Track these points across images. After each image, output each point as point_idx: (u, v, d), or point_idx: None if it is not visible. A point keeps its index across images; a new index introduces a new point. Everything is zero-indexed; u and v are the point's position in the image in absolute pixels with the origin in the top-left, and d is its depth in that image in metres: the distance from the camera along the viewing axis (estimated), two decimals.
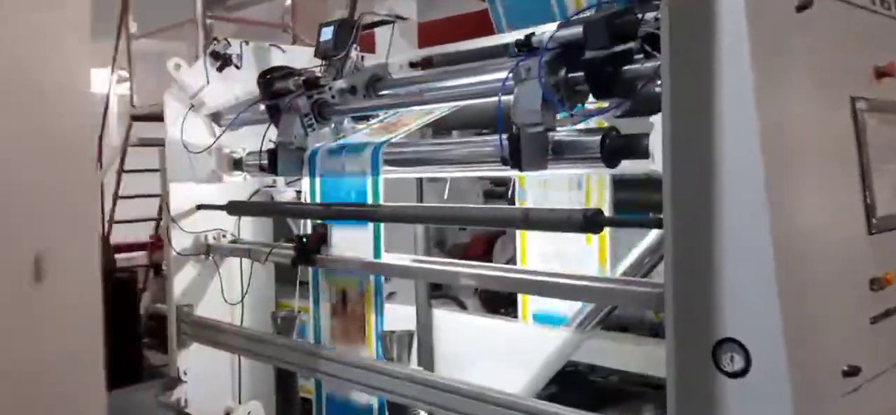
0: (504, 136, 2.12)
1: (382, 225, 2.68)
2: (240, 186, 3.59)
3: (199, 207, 3.49)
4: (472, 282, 2.67)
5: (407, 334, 2.55)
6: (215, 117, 3.49)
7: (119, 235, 7.44)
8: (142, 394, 3.38)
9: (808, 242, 1.74)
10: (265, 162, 3.01)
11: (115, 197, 7.11)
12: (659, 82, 1.81)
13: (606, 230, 2.83)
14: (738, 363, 1.65)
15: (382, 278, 2.75)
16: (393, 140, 2.71)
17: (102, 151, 7.66)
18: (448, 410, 2.33)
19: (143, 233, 7.81)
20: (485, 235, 4.72)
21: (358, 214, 2.67)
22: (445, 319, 3.32)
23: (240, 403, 3.62)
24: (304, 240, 2.85)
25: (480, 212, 2.38)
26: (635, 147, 2.04)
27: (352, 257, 2.75)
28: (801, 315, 1.65)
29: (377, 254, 2.71)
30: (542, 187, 3.02)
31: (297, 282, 3.10)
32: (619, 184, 2.93)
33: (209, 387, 3.55)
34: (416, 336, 3.36)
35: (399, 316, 3.36)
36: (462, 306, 4.37)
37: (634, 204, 3.03)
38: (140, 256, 7.52)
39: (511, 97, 2.15)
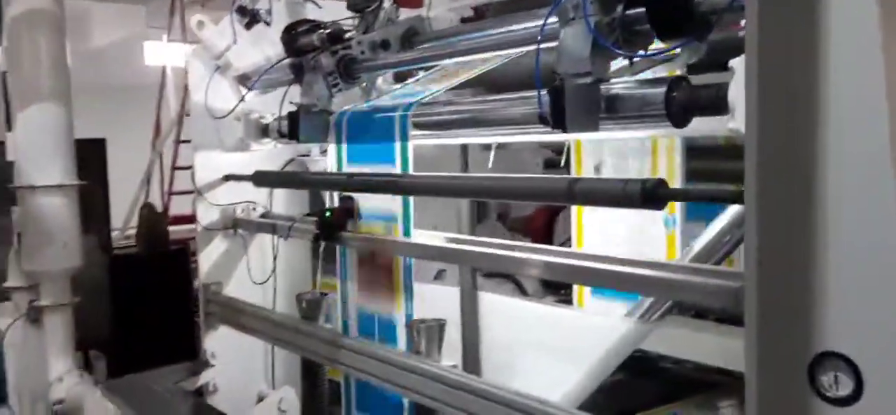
0: (544, 90, 1.72)
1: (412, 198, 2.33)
2: (273, 154, 3.30)
3: (226, 177, 3.21)
4: (505, 267, 2.31)
5: (437, 324, 2.19)
6: (243, 80, 3.20)
7: (181, 207, 7.37)
8: (167, 378, 3.15)
9: None
10: (285, 128, 2.68)
11: (173, 168, 7.03)
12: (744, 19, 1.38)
13: (678, 209, 2.43)
14: (845, 386, 1.22)
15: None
16: (423, 101, 2.35)
17: (160, 121, 7.64)
18: None
19: None
20: (546, 207, 4.32)
21: (380, 184, 2.33)
22: (492, 303, 2.97)
23: (274, 388, 3.36)
24: (328, 214, 2.52)
25: (516, 184, 2.00)
26: (710, 100, 1.61)
27: (378, 235, 2.41)
28: None
29: (407, 231, 2.36)
30: (602, 155, 2.62)
31: (320, 258, 2.79)
32: (693, 151, 2.50)
33: (240, 371, 3.30)
34: (461, 323, 3.04)
35: (442, 298, 3.04)
36: (520, 286, 4.01)
37: (713, 177, 2.58)
38: None
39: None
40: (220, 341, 3.24)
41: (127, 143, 8.62)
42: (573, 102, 1.70)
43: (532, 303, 3.15)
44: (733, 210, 2.06)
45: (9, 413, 3.97)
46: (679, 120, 1.67)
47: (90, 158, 4.84)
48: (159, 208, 6.67)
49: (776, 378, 1.30)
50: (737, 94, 1.55)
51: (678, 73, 1.99)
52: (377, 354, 2.27)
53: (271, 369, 3.36)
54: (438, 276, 3.77)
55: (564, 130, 1.71)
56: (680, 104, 1.66)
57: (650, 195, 1.61)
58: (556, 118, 1.70)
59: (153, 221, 5.76)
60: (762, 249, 1.30)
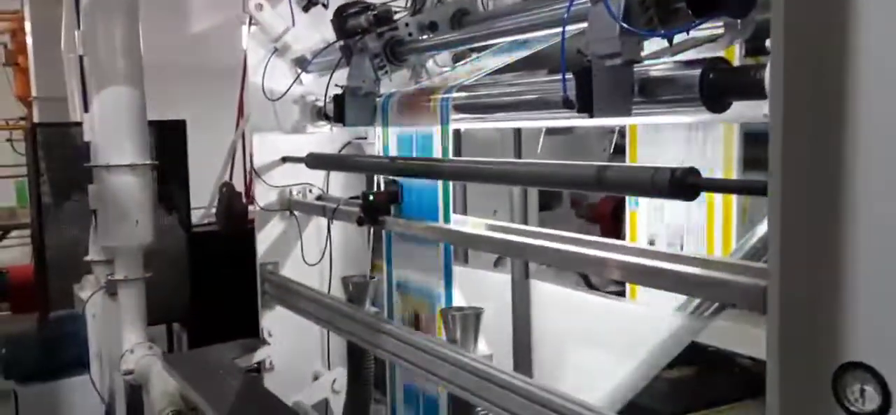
0: (569, 73, 1.63)
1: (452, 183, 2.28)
2: (331, 137, 3.32)
3: (284, 159, 3.26)
4: (526, 256, 2.23)
5: (473, 313, 2.14)
6: (301, 62, 3.22)
7: None
8: (226, 353, 3.23)
9: None
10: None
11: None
12: None
13: (734, 201, 2.29)
14: (872, 401, 1.10)
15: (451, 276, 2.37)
16: (465, 83, 2.29)
17: (243, 104, 7.83)
18: (509, 412, 1.91)
19: None
20: (611, 196, 4.18)
21: (420, 169, 2.29)
22: (544, 292, 2.90)
23: (328, 368, 3.41)
24: (371, 198, 2.51)
25: (545, 170, 1.91)
26: (747, 83, 1.50)
27: (418, 221, 2.38)
28: None
29: (447, 217, 2.32)
30: (653, 142, 2.50)
31: (370, 241, 2.79)
32: (752, 138, 2.35)
33: (296, 349, 3.36)
34: (513, 311, 2.99)
35: (496, 286, 3.01)
36: (585, 277, 3.91)
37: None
38: None
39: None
40: (276, 320, 3.30)
41: (223, 124, 8.88)
42: (601, 85, 1.62)
43: (584, 293, 3.06)
44: None
45: (88, 381, 4.19)
46: (714, 104, 1.56)
47: (171, 138, 5.02)
48: (241, 187, 6.84)
49: (798, 386, 1.20)
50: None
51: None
52: (412, 340, 2.24)
53: (327, 350, 3.40)
54: (498, 262, 3.72)
55: (591, 115, 1.63)
56: (715, 87, 1.54)
57: (679, 184, 1.51)
58: (583, 102, 1.62)
59: (231, 199, 5.91)
60: (787, 245, 1.19)
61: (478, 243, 2.28)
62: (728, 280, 1.41)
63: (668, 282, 1.52)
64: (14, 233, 8.57)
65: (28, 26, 7.19)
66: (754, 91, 1.48)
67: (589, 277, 3.87)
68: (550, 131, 3.82)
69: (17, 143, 8.10)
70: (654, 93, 1.65)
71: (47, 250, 4.91)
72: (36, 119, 7.08)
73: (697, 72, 1.57)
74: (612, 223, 4.25)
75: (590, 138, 4.12)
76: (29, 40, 7.21)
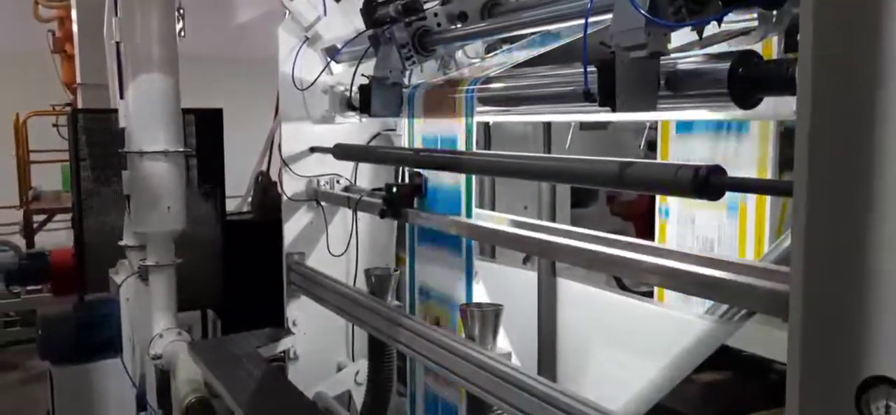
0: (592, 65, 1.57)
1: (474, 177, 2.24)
2: (360, 127, 3.30)
3: (312, 149, 3.24)
4: (546, 254, 2.18)
5: (493, 311, 2.09)
6: (331, 52, 3.21)
7: None
8: (252, 342, 3.23)
9: None
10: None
11: None
12: None
13: (767, 203, 2.20)
14: None
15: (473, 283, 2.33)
16: (491, 75, 2.25)
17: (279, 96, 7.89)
18: (524, 413, 1.86)
19: None
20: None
21: (444, 162, 2.25)
22: (571, 291, 2.84)
23: (353, 359, 3.39)
24: (395, 190, 2.48)
25: (567, 165, 1.86)
26: (777, 78, 1.42)
27: (440, 215, 2.34)
28: None
29: (469, 211, 2.28)
30: (683, 140, 2.42)
31: (396, 234, 2.77)
32: (790, 136, 2.25)
33: (320, 340, 3.35)
34: (538, 309, 2.93)
35: (523, 283, 2.95)
36: (617, 277, 3.83)
37: None
38: None
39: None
40: (301, 310, 3.29)
41: (260, 114, 8.99)
42: (625, 78, 1.55)
43: (611, 293, 2.99)
44: None
45: (120, 363, 4.25)
46: (744, 100, 1.49)
47: (207, 127, 5.07)
48: (276, 177, 6.89)
49: (820, 399, 1.13)
50: None
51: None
52: (430, 336, 2.21)
53: (351, 341, 3.39)
54: (527, 259, 3.67)
55: (614, 109, 1.57)
56: (744, 82, 1.47)
57: (703, 184, 1.44)
58: (605, 95, 1.56)
59: (266, 188, 5.95)
60: (810, 250, 1.13)
61: (499, 239, 2.23)
62: (751, 285, 1.34)
63: (690, 285, 1.46)
64: (58, 216, 8.77)
65: (74, 14, 7.32)
66: (786, 87, 1.41)
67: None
68: (586, 126, 3.75)
69: (62, 128, 8.27)
70: (681, 87, 1.58)
71: (86, 234, 5.00)
72: (80, 105, 7.21)
73: (726, 66, 1.49)
74: (647, 221, 4.16)
75: (625, 134, 4.04)
76: (75, 28, 7.35)
